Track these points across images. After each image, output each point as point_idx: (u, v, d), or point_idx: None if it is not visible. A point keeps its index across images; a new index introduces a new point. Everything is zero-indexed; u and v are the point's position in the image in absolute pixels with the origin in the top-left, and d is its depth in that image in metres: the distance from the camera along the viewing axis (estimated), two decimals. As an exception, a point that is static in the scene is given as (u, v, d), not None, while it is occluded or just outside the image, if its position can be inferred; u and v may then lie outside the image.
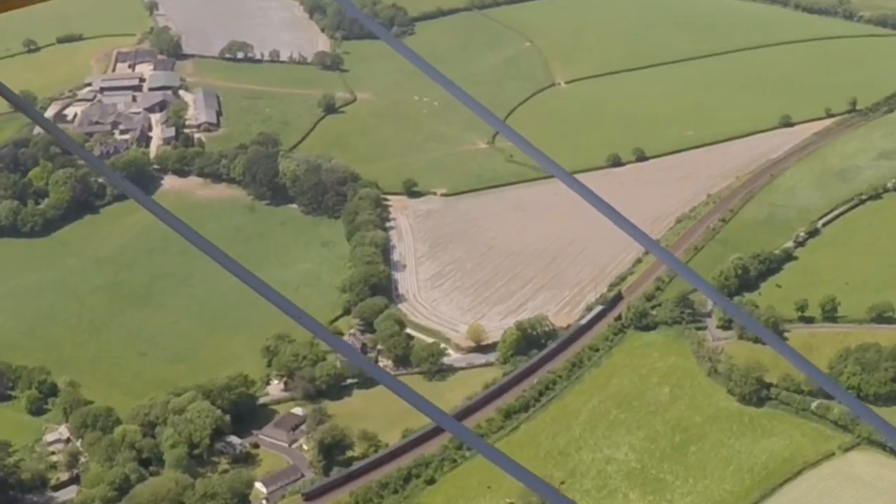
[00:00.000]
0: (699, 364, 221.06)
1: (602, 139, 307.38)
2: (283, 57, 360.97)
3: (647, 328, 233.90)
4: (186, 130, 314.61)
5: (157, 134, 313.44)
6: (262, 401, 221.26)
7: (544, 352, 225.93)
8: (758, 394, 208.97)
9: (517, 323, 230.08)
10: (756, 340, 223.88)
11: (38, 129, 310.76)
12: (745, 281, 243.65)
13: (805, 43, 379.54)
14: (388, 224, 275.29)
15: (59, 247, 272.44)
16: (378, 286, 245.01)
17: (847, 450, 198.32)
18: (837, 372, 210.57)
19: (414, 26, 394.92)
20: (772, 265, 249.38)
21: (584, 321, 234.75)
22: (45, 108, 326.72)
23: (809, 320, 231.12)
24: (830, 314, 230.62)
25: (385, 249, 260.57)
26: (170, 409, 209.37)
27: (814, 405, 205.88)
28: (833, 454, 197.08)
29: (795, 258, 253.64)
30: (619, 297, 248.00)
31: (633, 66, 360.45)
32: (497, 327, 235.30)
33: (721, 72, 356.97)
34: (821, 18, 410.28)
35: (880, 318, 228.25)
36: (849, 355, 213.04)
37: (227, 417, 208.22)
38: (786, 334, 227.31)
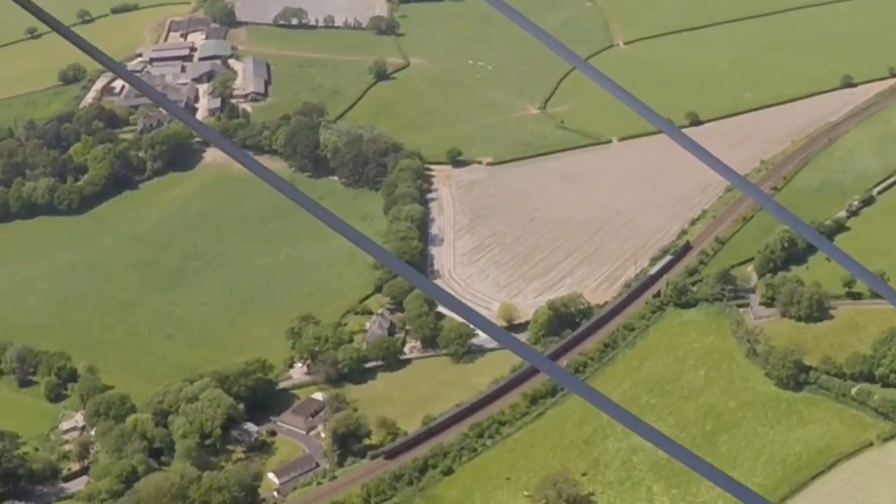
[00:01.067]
0: (738, 345, 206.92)
1: (658, 102, 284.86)
2: (338, 22, 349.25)
3: (686, 305, 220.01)
4: (233, 100, 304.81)
5: (202, 105, 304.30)
6: (283, 385, 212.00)
7: (577, 332, 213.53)
8: (796, 378, 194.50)
9: (549, 302, 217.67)
10: (800, 318, 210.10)
11: (83, 104, 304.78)
12: (793, 255, 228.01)
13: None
14: (429, 195, 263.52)
15: (96, 224, 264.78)
16: (411, 263, 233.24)
17: (886, 440, 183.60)
18: (881, 354, 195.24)
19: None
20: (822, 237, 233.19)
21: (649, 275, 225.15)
22: (94, 81, 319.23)
23: (857, 296, 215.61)
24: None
25: (423, 223, 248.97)
26: (182, 398, 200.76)
27: (854, 390, 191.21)
28: (871, 444, 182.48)
29: (848, 228, 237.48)
30: (687, 247, 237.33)
31: (694, 26, 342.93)
32: (531, 305, 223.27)
33: (783, 30, 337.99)
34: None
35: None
36: (893, 336, 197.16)
37: (241, 405, 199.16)
38: (831, 311, 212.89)
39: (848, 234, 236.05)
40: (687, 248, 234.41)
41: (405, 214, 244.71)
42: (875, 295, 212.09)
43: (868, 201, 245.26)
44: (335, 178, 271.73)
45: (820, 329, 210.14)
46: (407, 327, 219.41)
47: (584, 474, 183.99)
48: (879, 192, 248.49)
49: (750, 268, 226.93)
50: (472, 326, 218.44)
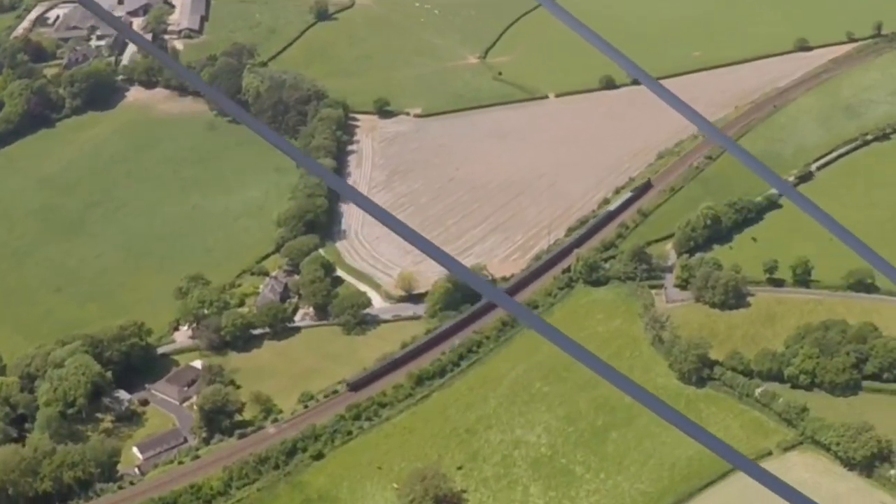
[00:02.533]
0: (645, 330, 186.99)
1: (601, 58, 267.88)
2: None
3: (597, 283, 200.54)
4: (166, 37, 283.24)
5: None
6: (165, 350, 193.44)
7: (475, 307, 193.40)
8: (699, 372, 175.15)
9: (448, 274, 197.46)
10: (714, 304, 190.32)
11: (14, 34, 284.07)
12: (717, 233, 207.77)
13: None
14: (350, 147, 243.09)
15: (5, 163, 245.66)
16: (315, 222, 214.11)
17: (787, 449, 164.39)
18: (792, 353, 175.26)
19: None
20: (750, 215, 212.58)
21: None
22: (29, 10, 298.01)
23: (778, 283, 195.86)
24: (802, 277, 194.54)
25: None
26: (49, 362, 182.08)
27: (759, 391, 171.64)
28: (770, 453, 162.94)
29: (779, 206, 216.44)
30: (648, 186, 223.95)
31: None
32: (436, 273, 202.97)
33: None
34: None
35: (858, 284, 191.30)
36: (808, 333, 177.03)
37: (109, 373, 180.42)
38: (749, 299, 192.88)
39: (779, 212, 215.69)
40: (607, 218, 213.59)
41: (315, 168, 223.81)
42: (796, 283, 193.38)
43: (805, 177, 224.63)
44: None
45: (734, 317, 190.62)
46: (300, 292, 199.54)
47: (459, 468, 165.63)
48: (819, 168, 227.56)
49: (669, 245, 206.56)
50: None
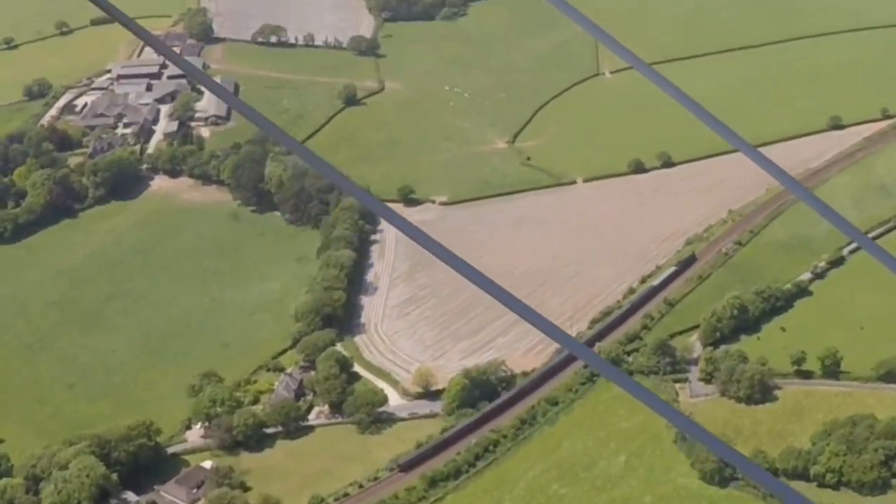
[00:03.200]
0: (668, 426, 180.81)
1: (632, 139, 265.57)
2: (318, 41, 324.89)
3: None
4: (193, 123, 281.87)
5: (160, 127, 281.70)
6: (176, 449, 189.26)
7: (493, 404, 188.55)
8: (721, 472, 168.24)
9: (465, 370, 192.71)
10: (740, 399, 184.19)
11: (43, 121, 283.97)
12: (744, 322, 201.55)
13: (878, 30, 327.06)
14: (373, 237, 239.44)
15: (26, 255, 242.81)
16: (333, 316, 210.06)
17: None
18: (819, 450, 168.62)
19: (467, 7, 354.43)
20: (778, 303, 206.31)
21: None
22: (57, 98, 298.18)
23: (806, 375, 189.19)
24: (831, 369, 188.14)
25: (356, 269, 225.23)
26: (55, 464, 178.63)
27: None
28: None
29: (810, 293, 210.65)
30: (692, 259, 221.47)
31: (686, 55, 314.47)
32: (456, 368, 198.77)
33: (779, 61, 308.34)
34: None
35: (889, 375, 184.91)
36: (834, 430, 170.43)
37: (115, 475, 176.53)
38: (776, 392, 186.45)
39: (809, 299, 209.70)
40: (631, 308, 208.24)
41: (335, 260, 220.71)
42: (825, 374, 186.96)
43: (837, 262, 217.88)
44: (279, 213, 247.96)
45: (760, 412, 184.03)
46: (315, 389, 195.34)
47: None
48: (851, 252, 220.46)
49: (694, 336, 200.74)
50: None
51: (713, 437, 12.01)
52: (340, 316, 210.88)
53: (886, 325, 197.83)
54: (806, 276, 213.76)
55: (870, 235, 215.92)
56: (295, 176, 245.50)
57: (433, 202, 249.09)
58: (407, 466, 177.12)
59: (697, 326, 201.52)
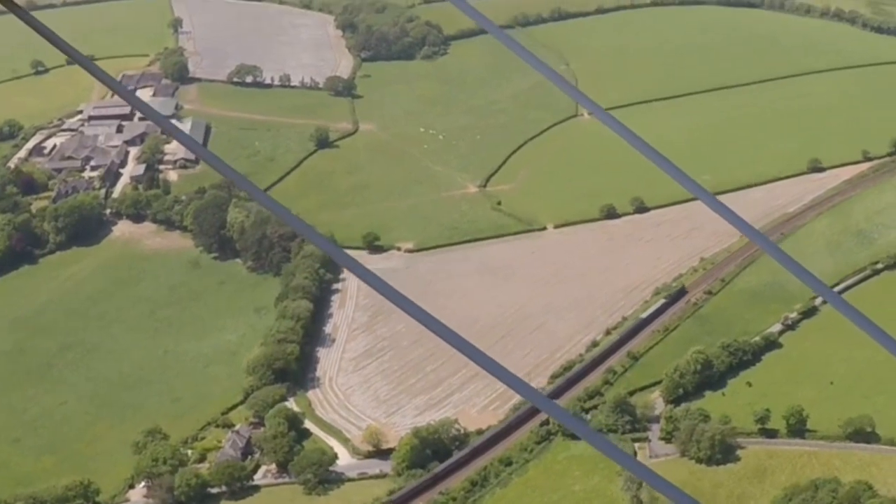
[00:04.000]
0: (623, 489, 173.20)
1: (607, 183, 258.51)
2: (294, 81, 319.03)
3: (576, 437, 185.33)
4: (162, 167, 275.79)
5: (128, 170, 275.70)
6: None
7: (444, 465, 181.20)
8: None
9: (414, 430, 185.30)
10: (700, 460, 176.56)
11: (11, 163, 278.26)
12: (708, 378, 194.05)
13: (860, 69, 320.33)
14: (335, 286, 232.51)
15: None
16: (285, 370, 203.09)
17: None
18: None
19: (448, 46, 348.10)
20: (745, 357, 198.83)
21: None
22: (27, 139, 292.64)
23: (771, 434, 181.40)
24: (797, 427, 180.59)
25: (315, 319, 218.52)
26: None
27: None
28: None
29: (780, 346, 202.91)
30: (682, 292, 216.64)
31: (666, 95, 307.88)
32: (409, 425, 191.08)
33: (761, 101, 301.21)
34: (888, 39, 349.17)
35: (856, 434, 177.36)
36: (795, 495, 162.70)
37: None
38: (739, 452, 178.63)
39: (778, 352, 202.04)
40: (593, 363, 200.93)
41: (291, 312, 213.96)
42: (790, 433, 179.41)
43: (809, 313, 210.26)
44: (240, 260, 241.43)
45: (721, 474, 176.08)
46: (262, 447, 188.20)
47: None
48: (824, 302, 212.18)
49: (656, 393, 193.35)
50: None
51: (675, 488, 11.49)
52: (294, 370, 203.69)
53: (857, 380, 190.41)
54: (776, 327, 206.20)
55: (846, 283, 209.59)
56: (257, 223, 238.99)
57: (398, 249, 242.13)
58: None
59: (661, 382, 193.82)
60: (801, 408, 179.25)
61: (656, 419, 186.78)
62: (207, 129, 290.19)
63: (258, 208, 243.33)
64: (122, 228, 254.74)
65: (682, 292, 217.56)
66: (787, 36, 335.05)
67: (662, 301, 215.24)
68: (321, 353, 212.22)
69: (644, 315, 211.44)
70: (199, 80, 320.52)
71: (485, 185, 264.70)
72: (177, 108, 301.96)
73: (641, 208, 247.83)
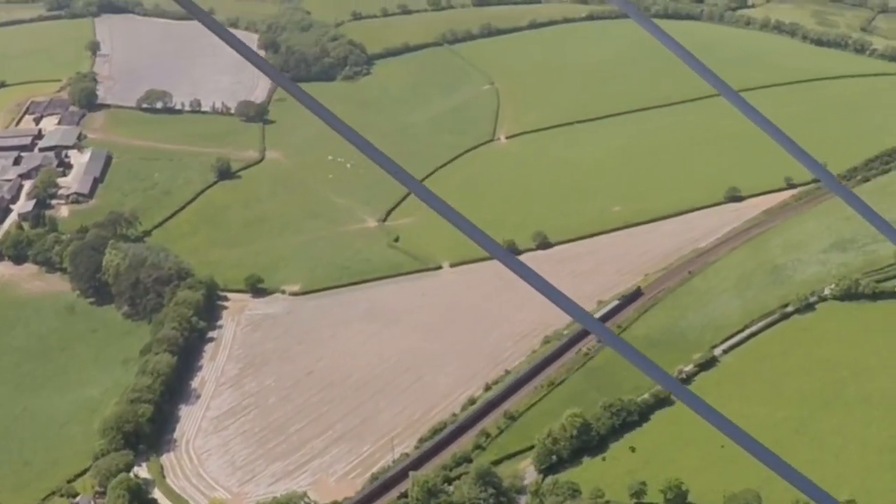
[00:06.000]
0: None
1: (513, 215, 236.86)
2: (205, 106, 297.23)
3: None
4: (55, 202, 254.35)
5: (19, 206, 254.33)
6: None
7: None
8: None
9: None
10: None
11: None
12: (587, 442, 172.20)
13: (796, 85, 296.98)
14: (211, 334, 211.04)
15: None
16: (138, 433, 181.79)
17: None
18: None
19: (372, 66, 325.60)
20: (630, 419, 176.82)
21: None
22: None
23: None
24: (676, 502, 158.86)
25: (183, 373, 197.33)
26: None
27: None
28: None
29: (671, 403, 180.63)
30: (574, 340, 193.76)
31: (589, 117, 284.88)
32: (262, 495, 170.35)
33: (686, 122, 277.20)
34: (827, 52, 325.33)
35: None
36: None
37: None
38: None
39: (670, 410, 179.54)
40: (466, 424, 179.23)
41: (151, 367, 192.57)
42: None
43: (707, 364, 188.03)
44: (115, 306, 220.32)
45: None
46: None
47: None
48: (725, 351, 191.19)
49: (529, 460, 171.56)
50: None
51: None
52: (146, 433, 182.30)
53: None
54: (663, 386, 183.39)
55: (750, 330, 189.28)
56: (131, 266, 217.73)
57: (283, 292, 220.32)
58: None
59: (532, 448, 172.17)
60: (680, 482, 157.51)
61: (521, 491, 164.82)
62: (108, 160, 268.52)
63: (134, 250, 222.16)
64: (2, 271, 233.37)
65: (573, 340, 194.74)
66: (724, 49, 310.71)
67: (551, 351, 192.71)
68: (183, 411, 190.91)
69: (528, 368, 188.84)
70: (108, 106, 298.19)
71: (384, 219, 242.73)
72: (80, 137, 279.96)
73: (544, 244, 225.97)
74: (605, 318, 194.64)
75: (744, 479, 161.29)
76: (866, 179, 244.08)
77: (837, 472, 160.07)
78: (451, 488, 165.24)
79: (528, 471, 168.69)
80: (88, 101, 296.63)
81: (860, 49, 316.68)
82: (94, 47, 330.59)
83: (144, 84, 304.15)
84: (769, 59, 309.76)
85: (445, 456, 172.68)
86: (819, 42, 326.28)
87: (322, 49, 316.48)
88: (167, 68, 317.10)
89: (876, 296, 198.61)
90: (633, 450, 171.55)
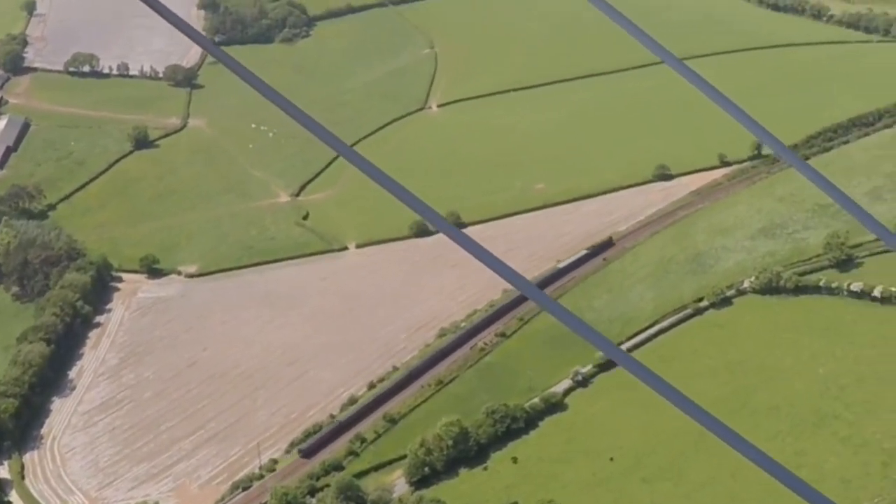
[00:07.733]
0: None
1: (428, 190, 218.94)
2: (134, 70, 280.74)
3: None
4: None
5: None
6: None
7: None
8: None
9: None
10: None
11: None
12: (466, 452, 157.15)
13: (748, 52, 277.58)
14: (98, 319, 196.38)
15: None
16: (1, 429, 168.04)
17: None
18: None
19: (312, 27, 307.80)
20: (515, 425, 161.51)
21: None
22: None
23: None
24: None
25: (62, 361, 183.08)
26: None
27: None
28: None
29: (564, 408, 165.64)
30: (609, 243, 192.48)
31: (528, 84, 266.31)
32: (121, 501, 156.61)
33: (625, 92, 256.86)
34: (783, 17, 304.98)
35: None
36: None
37: None
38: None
39: (561, 416, 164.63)
40: (342, 426, 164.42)
41: (23, 357, 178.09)
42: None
43: (607, 365, 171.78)
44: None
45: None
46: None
47: None
48: (630, 350, 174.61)
49: (400, 471, 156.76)
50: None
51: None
52: (11, 429, 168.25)
53: (642, 457, 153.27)
54: (565, 384, 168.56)
55: (660, 326, 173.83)
56: (21, 245, 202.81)
57: (179, 273, 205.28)
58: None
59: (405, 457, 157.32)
60: (551, 501, 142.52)
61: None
62: (25, 127, 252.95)
63: (26, 228, 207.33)
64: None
65: (470, 333, 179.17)
66: (672, 11, 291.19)
67: (445, 345, 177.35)
68: (56, 404, 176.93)
69: (418, 364, 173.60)
70: (34, 69, 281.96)
71: (297, 194, 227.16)
72: (1, 102, 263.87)
73: (457, 223, 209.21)
74: (508, 308, 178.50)
75: (629, 500, 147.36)
76: (806, 158, 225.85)
77: (733, 493, 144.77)
78: (314, 500, 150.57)
79: (398, 483, 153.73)
80: (14, 65, 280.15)
81: (817, 15, 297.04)
82: (31, 7, 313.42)
83: (77, 46, 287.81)
84: (721, 24, 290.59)
85: (314, 463, 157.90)
86: (776, 7, 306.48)
87: (260, 10, 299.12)
88: (102, 29, 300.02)
89: (798, 290, 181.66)
90: (515, 461, 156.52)
